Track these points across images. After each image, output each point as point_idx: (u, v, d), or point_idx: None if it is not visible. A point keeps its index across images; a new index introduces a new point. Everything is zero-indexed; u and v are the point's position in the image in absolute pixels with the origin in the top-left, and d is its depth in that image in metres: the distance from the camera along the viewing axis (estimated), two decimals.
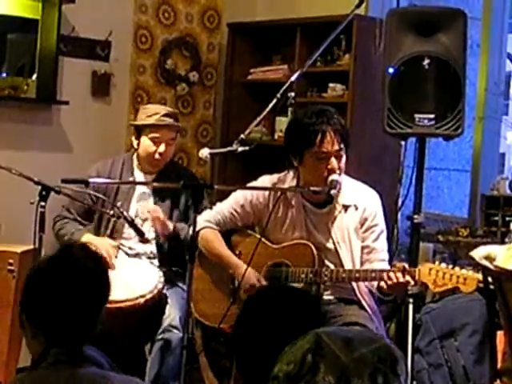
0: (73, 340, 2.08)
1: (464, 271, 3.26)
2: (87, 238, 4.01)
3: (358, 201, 3.61)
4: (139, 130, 4.16)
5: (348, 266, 3.54)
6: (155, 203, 4.13)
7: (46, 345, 2.08)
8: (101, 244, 3.89)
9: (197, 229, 3.73)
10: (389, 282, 3.32)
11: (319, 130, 3.47)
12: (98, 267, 2.16)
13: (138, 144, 4.16)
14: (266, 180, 3.73)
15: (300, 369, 1.54)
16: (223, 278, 3.72)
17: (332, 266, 3.56)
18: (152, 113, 4.15)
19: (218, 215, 3.76)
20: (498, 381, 3.91)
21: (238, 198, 3.74)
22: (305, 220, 3.62)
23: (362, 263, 3.58)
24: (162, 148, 4.09)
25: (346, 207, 3.60)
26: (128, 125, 5.46)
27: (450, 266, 3.29)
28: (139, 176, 4.19)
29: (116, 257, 3.96)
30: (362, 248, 3.60)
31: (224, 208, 3.76)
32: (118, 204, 3.97)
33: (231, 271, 3.65)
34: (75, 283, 2.08)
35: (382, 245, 3.63)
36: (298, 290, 2.61)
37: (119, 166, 4.18)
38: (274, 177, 3.73)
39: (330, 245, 3.60)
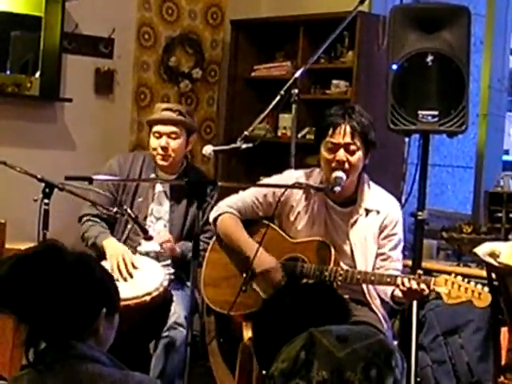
0: (60, 335, 2.07)
1: (479, 286, 3.23)
2: (108, 241, 3.99)
3: (380, 207, 3.60)
4: (150, 130, 4.20)
5: (361, 269, 3.52)
6: (171, 205, 4.14)
7: (31, 338, 2.08)
8: (116, 250, 3.91)
9: (218, 213, 3.74)
10: (403, 288, 3.30)
11: (333, 121, 3.49)
12: (83, 262, 2.14)
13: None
14: (291, 174, 3.71)
15: (294, 366, 1.55)
16: (238, 266, 3.70)
17: (346, 268, 3.55)
18: (155, 109, 4.21)
19: (239, 202, 3.73)
20: (502, 377, 3.91)
21: (262, 188, 3.74)
22: (325, 217, 3.61)
23: (375, 270, 3.56)
24: (162, 142, 4.08)
25: (367, 211, 3.58)
26: (131, 122, 5.48)
27: (466, 280, 3.27)
28: (161, 175, 4.19)
29: (134, 267, 3.92)
30: (378, 255, 3.58)
31: (246, 196, 3.74)
32: (139, 200, 3.99)
33: (248, 255, 3.63)
34: (57, 276, 2.06)
35: (397, 255, 3.61)
36: (326, 286, 2.62)
37: (139, 163, 4.19)
38: (301, 172, 3.72)
39: (346, 246, 3.58)
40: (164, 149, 4.09)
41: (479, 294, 3.22)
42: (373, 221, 3.59)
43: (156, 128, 4.12)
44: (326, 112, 3.59)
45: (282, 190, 3.62)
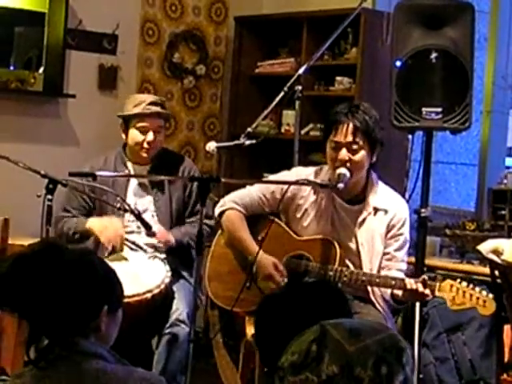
0: (61, 332, 2.07)
1: (484, 293, 3.20)
2: (91, 221, 3.98)
3: (388, 206, 3.58)
4: (127, 122, 4.12)
5: (366, 268, 3.51)
6: (154, 195, 4.11)
7: (33, 335, 2.07)
8: (108, 224, 3.90)
9: (223, 208, 3.72)
10: (408, 287, 3.30)
11: (337, 119, 3.47)
12: (84, 260, 2.14)
13: (127, 136, 4.12)
14: (300, 171, 3.70)
15: (305, 358, 1.53)
16: (243, 262, 3.68)
17: (351, 266, 3.53)
18: (138, 102, 4.09)
19: (246, 198, 3.71)
20: (505, 374, 3.91)
21: (270, 184, 3.73)
22: (332, 214, 3.59)
23: (379, 269, 3.56)
24: (150, 137, 4.03)
25: (376, 210, 3.56)
26: None
27: (471, 286, 3.24)
28: (132, 168, 4.16)
29: (126, 239, 3.93)
30: (383, 254, 3.57)
31: (253, 192, 3.71)
32: (118, 198, 3.95)
33: (249, 257, 3.62)
34: (56, 274, 2.06)
35: (402, 255, 3.60)
36: (328, 284, 2.61)
37: (112, 162, 4.14)
38: (310, 169, 3.70)
39: (352, 244, 3.56)
40: (150, 143, 4.07)
41: (484, 301, 3.18)
42: (381, 220, 3.57)
43: (143, 123, 4.04)
44: (332, 109, 3.58)
45: (290, 187, 3.61)
